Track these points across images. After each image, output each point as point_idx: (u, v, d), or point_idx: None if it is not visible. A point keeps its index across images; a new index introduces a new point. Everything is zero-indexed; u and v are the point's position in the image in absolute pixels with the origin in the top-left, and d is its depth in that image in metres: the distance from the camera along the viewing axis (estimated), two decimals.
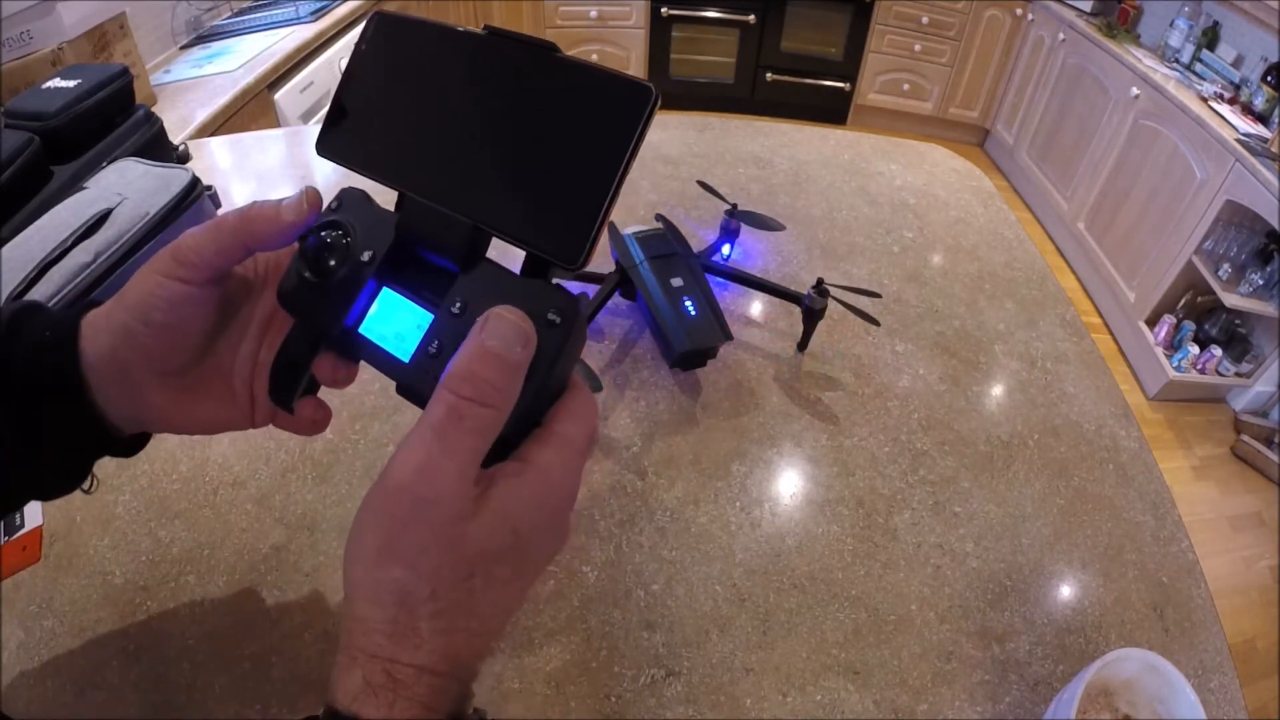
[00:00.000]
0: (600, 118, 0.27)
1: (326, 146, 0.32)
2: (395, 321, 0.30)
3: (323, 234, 0.30)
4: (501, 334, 0.26)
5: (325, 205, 0.32)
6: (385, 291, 0.30)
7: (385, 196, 0.31)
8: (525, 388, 0.26)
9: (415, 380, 0.28)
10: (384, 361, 0.30)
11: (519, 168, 0.28)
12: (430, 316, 0.29)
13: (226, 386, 0.35)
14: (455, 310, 0.28)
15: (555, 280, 0.29)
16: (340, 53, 1.95)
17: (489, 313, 0.26)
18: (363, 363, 0.32)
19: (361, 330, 0.30)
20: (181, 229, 0.78)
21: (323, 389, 0.37)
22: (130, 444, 0.37)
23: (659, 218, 0.81)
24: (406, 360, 0.29)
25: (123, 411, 0.34)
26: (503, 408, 0.26)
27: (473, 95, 0.29)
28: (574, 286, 0.77)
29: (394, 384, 0.30)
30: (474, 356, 0.25)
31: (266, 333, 0.36)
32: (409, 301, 0.30)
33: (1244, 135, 2.04)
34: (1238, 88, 2.33)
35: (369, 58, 0.31)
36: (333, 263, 0.30)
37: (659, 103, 0.26)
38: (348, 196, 0.31)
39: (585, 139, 0.27)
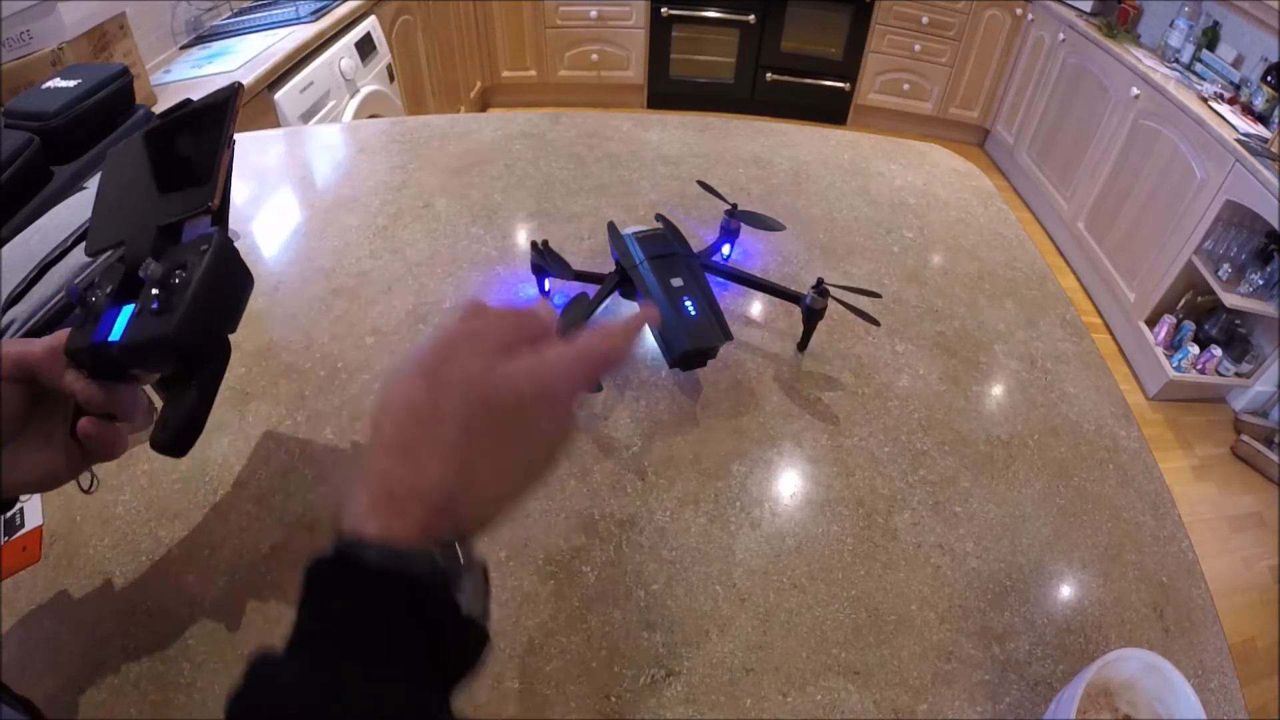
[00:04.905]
0: (205, 123, 0.41)
1: (88, 248, 0.45)
2: (119, 321, 0.39)
3: (84, 295, 0.40)
4: (618, 327, 0.34)
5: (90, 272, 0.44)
6: (120, 309, 0.39)
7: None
8: (185, 296, 0.37)
9: (124, 349, 0.38)
10: (110, 351, 0.38)
11: (166, 180, 0.42)
12: (131, 307, 0.39)
13: (48, 443, 0.42)
14: (145, 272, 0.38)
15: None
16: (340, 53, 1.95)
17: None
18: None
19: (110, 338, 0.38)
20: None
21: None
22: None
23: (659, 218, 0.81)
24: (119, 339, 0.38)
25: None
26: (608, 363, 0.34)
27: (132, 164, 0.45)
28: (575, 287, 0.78)
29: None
30: (614, 336, 0.33)
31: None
32: (127, 306, 0.39)
33: (1244, 135, 2.04)
34: (1238, 88, 2.33)
35: (102, 183, 0.45)
36: (89, 309, 0.40)
37: (243, 89, 0.41)
38: (107, 270, 0.42)
39: (200, 138, 0.41)
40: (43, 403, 0.42)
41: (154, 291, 0.37)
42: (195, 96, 0.45)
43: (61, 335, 0.41)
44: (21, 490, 0.43)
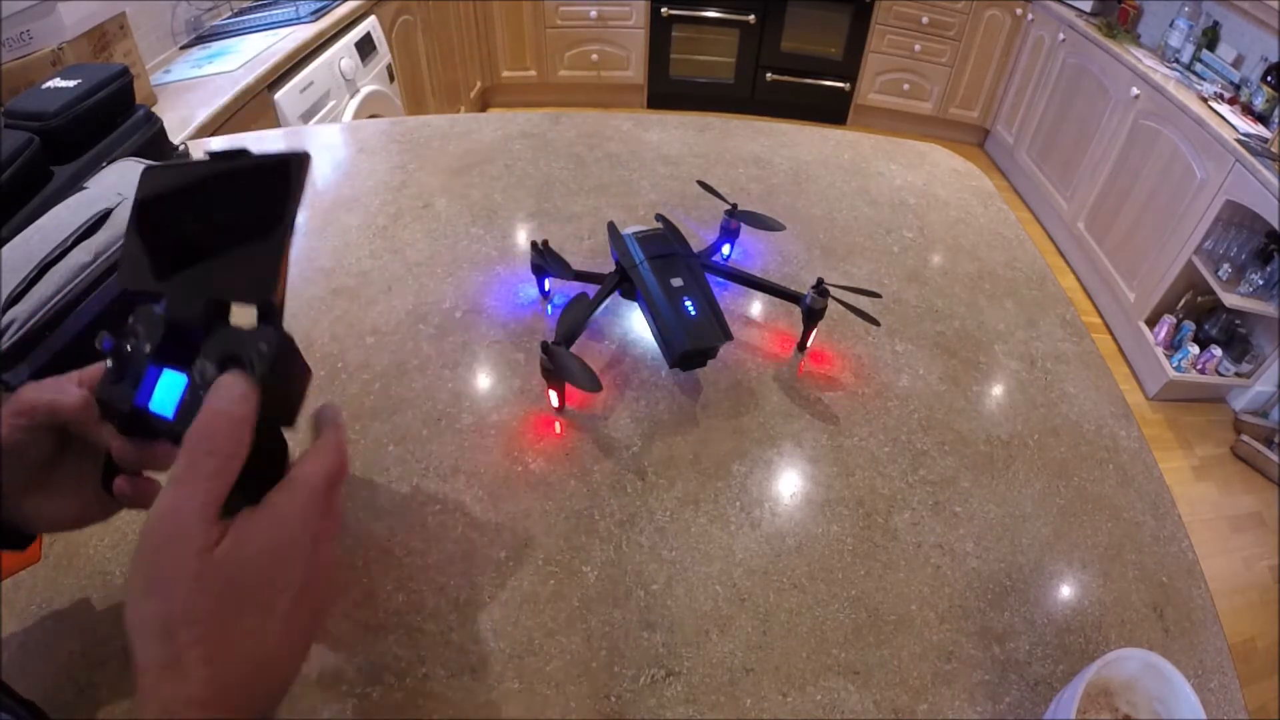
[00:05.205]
0: (266, 191, 0.36)
1: (121, 279, 0.40)
2: (168, 391, 0.36)
3: (119, 343, 0.38)
4: (221, 394, 0.31)
5: (130, 322, 0.39)
6: (165, 372, 0.36)
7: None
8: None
9: (181, 430, 0.33)
10: (159, 424, 0.36)
11: (220, 247, 0.37)
12: (185, 379, 0.36)
13: (78, 489, 0.41)
14: (198, 370, 0.35)
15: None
16: (340, 53, 1.95)
17: (217, 380, 0.32)
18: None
19: (150, 407, 0.36)
20: None
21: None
22: (15, 539, 0.42)
23: (659, 218, 0.81)
24: (171, 417, 0.35)
25: None
26: (231, 454, 0.31)
27: (182, 208, 0.39)
28: (575, 287, 0.78)
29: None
30: (203, 416, 0.31)
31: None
32: (174, 372, 0.36)
33: (1244, 135, 2.04)
34: (1238, 88, 2.33)
35: (139, 205, 0.40)
36: (127, 363, 0.37)
37: (310, 162, 0.35)
38: (141, 312, 0.38)
39: (262, 208, 0.36)
40: (71, 448, 0.41)
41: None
42: (250, 145, 0.39)
43: (92, 375, 0.39)
44: (51, 531, 0.42)
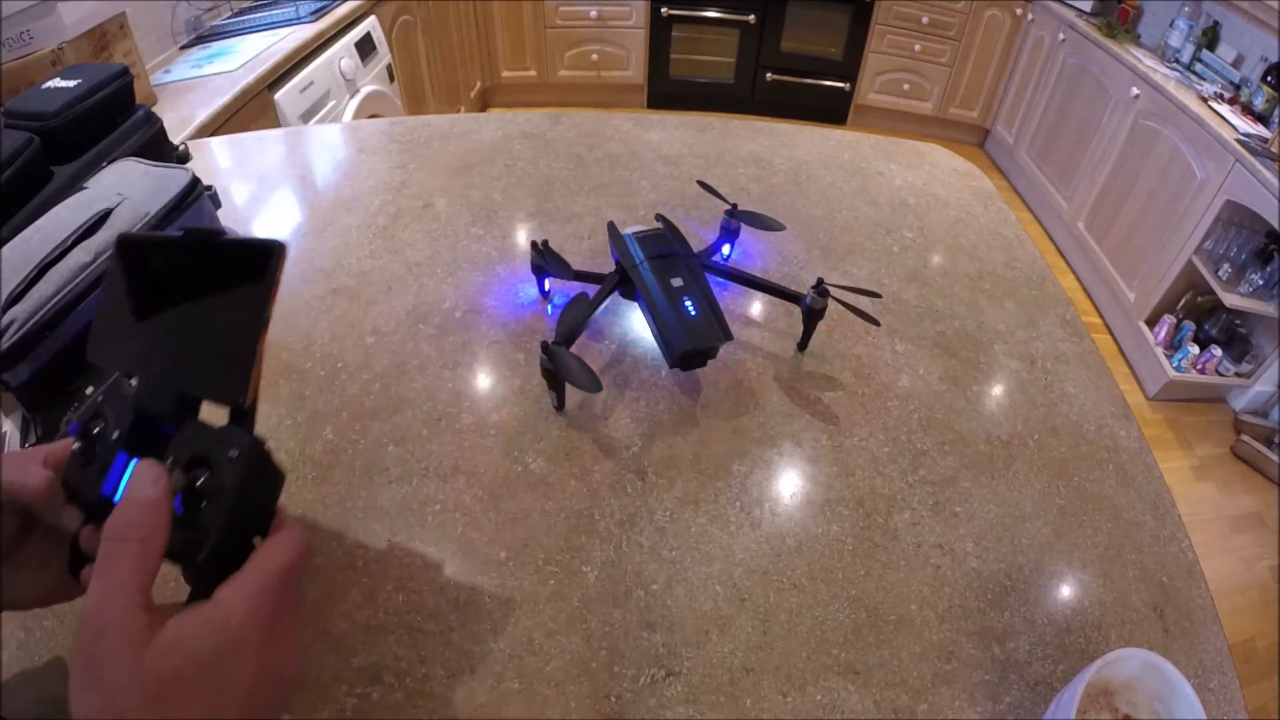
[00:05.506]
0: (240, 279, 0.35)
1: (91, 352, 0.39)
2: None
3: (86, 425, 0.37)
4: (137, 481, 0.32)
5: (92, 395, 0.37)
6: (134, 461, 0.35)
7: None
8: (218, 515, 0.32)
9: None
10: (110, 508, 0.34)
11: (193, 338, 0.36)
12: None
13: (43, 570, 0.39)
14: (169, 465, 0.34)
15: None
16: (340, 53, 1.95)
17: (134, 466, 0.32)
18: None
19: (118, 498, 0.34)
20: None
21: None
22: None
23: (659, 218, 0.81)
24: None
25: None
26: (149, 539, 0.30)
27: (153, 290, 0.38)
28: (575, 287, 0.78)
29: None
30: (119, 505, 0.31)
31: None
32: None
33: (1244, 135, 2.04)
34: (1238, 88, 2.33)
35: (110, 275, 0.39)
36: (95, 447, 0.36)
37: (286, 254, 0.34)
38: (111, 389, 0.37)
39: (235, 300, 0.35)
40: (37, 528, 0.39)
41: (178, 494, 0.34)
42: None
43: (58, 455, 0.38)
44: (14, 609, 0.40)
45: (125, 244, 0.39)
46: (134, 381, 0.37)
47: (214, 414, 0.35)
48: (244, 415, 0.35)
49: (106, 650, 0.28)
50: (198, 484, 0.33)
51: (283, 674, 0.32)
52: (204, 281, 0.36)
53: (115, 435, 0.36)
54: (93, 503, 0.35)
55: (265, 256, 0.34)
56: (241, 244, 0.35)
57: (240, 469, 0.33)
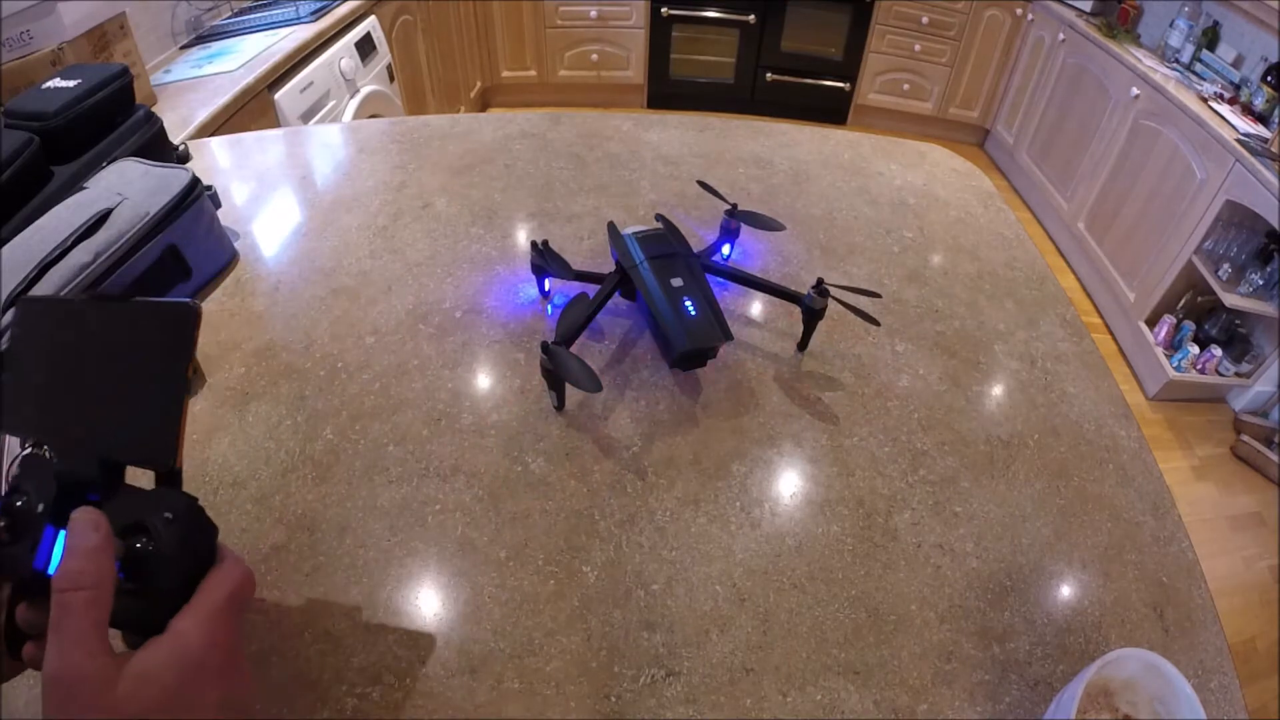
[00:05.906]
0: (156, 342, 0.34)
1: (5, 424, 0.38)
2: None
3: (9, 501, 0.35)
4: (76, 530, 0.32)
5: (10, 473, 0.36)
6: (61, 533, 0.34)
7: None
8: (165, 571, 0.33)
9: None
10: (45, 582, 0.33)
11: (113, 404, 0.35)
12: None
13: None
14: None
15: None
16: (340, 53, 1.95)
17: (71, 519, 0.32)
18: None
19: (51, 570, 0.33)
20: (181, 229, 0.78)
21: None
22: None
23: (659, 218, 0.81)
24: None
25: None
26: (97, 585, 0.30)
27: (64, 355, 0.37)
28: (575, 287, 0.78)
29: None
30: (64, 557, 0.31)
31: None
32: None
33: (1244, 135, 2.04)
34: (1238, 88, 2.32)
35: (17, 340, 0.38)
36: (19, 523, 0.34)
37: (200, 316, 0.34)
38: (26, 462, 0.36)
39: (153, 363, 0.34)
40: None
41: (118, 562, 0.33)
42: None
43: None
44: None
45: (30, 307, 0.38)
46: (47, 451, 0.36)
47: (139, 474, 0.35)
48: (173, 479, 0.35)
49: (81, 705, 0.29)
50: (137, 548, 0.33)
51: (240, 694, 0.33)
52: (119, 345, 0.36)
53: (40, 508, 0.35)
54: (25, 579, 0.34)
55: (182, 319, 0.34)
56: (155, 306, 0.35)
57: (179, 531, 0.33)
